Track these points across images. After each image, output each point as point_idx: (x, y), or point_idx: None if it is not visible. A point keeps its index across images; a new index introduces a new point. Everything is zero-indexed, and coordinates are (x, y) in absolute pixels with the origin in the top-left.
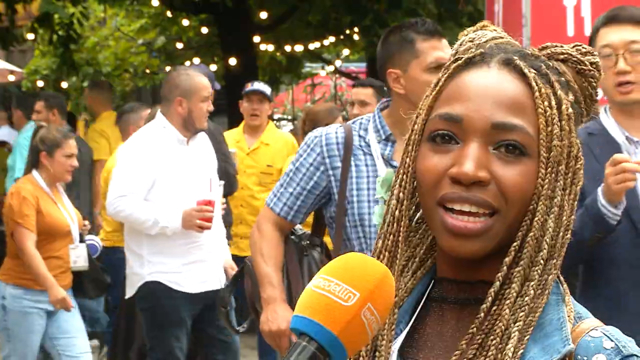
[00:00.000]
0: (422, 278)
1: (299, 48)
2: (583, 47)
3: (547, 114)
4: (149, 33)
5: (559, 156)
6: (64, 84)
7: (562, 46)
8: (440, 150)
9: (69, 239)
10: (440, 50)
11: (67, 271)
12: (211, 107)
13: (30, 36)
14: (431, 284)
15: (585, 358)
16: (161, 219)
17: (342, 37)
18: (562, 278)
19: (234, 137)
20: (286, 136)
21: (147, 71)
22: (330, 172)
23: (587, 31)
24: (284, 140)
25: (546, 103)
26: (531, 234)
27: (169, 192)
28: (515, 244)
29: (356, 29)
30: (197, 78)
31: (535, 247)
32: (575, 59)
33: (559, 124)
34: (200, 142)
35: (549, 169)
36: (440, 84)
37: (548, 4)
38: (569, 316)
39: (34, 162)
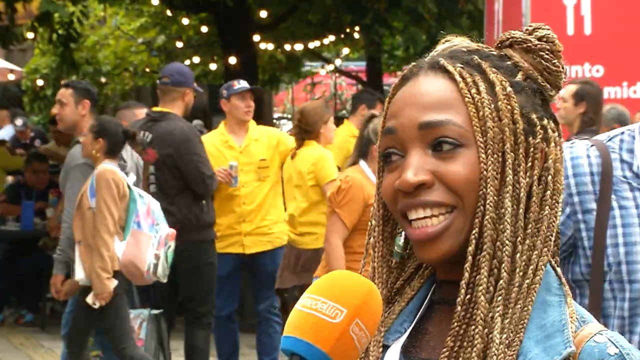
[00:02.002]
0: (429, 278)
1: (299, 47)
2: (530, 26)
3: (476, 99)
4: (148, 32)
5: (499, 136)
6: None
7: (510, 33)
8: (392, 168)
9: None
10: None
11: None
12: None
13: (30, 35)
14: (433, 287)
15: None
16: None
17: (342, 36)
18: (564, 280)
19: (219, 137)
20: (269, 130)
21: (147, 70)
22: (580, 217)
23: (587, 30)
24: (269, 133)
25: (473, 90)
26: (487, 217)
27: None
28: (474, 231)
29: (356, 28)
30: None
31: (495, 228)
32: (519, 39)
33: (490, 105)
34: None
35: (489, 150)
36: (386, 106)
37: (548, 2)
38: (571, 317)
39: (362, 153)
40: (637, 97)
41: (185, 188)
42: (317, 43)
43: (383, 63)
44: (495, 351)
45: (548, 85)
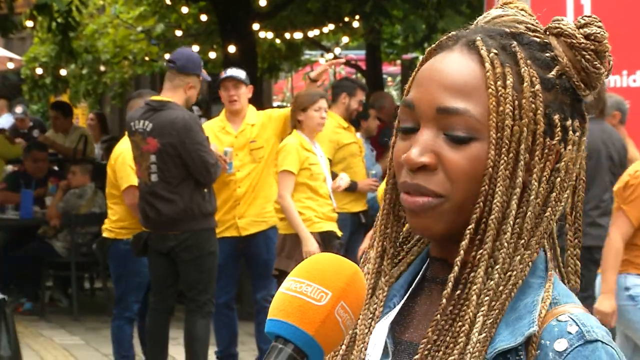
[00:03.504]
0: (419, 255)
1: (298, 35)
2: (584, 19)
3: (499, 93)
4: (148, 20)
5: (517, 135)
6: (63, 72)
7: (563, 19)
8: (405, 137)
9: None
10: None
11: None
12: None
13: (29, 23)
14: (427, 264)
15: (548, 342)
16: None
17: (341, 24)
18: (560, 261)
19: (218, 124)
20: (266, 111)
21: (146, 59)
22: None
23: None
24: (262, 115)
25: (499, 83)
26: (492, 216)
27: None
28: (470, 227)
29: (356, 17)
30: None
31: (497, 229)
32: (567, 33)
33: (512, 103)
34: None
35: (503, 149)
36: (416, 70)
37: None
38: (546, 298)
39: None
40: (636, 86)
41: (188, 177)
42: (316, 31)
43: (382, 51)
44: (471, 349)
45: (583, 85)
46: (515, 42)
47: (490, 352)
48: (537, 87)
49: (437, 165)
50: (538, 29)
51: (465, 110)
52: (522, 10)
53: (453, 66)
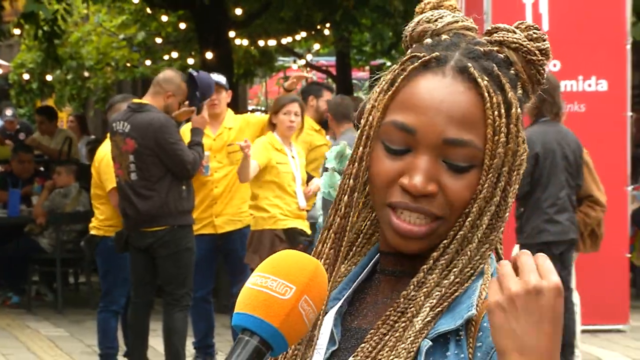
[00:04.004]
0: (368, 252)
1: (272, 43)
2: (534, 32)
3: (496, 123)
4: (129, 28)
5: (502, 160)
6: (49, 77)
7: (514, 31)
8: (394, 157)
9: None
10: None
11: None
12: None
13: (16, 31)
14: (377, 257)
15: (487, 324)
16: None
17: (313, 32)
18: (499, 251)
19: None
20: (240, 116)
21: (128, 65)
22: None
23: (545, 26)
24: (240, 119)
25: (496, 113)
26: (461, 232)
27: None
28: (445, 241)
29: (327, 25)
30: None
31: (464, 242)
32: (525, 49)
33: (505, 130)
34: None
35: (490, 175)
36: (397, 84)
37: (508, 1)
38: (485, 285)
39: None
40: (591, 90)
41: (166, 175)
42: (289, 39)
43: (352, 58)
44: (413, 329)
45: (533, 95)
46: (494, 65)
47: (432, 333)
48: (519, 110)
49: (438, 192)
50: (493, 40)
51: (470, 141)
52: (455, 9)
53: (456, 96)
